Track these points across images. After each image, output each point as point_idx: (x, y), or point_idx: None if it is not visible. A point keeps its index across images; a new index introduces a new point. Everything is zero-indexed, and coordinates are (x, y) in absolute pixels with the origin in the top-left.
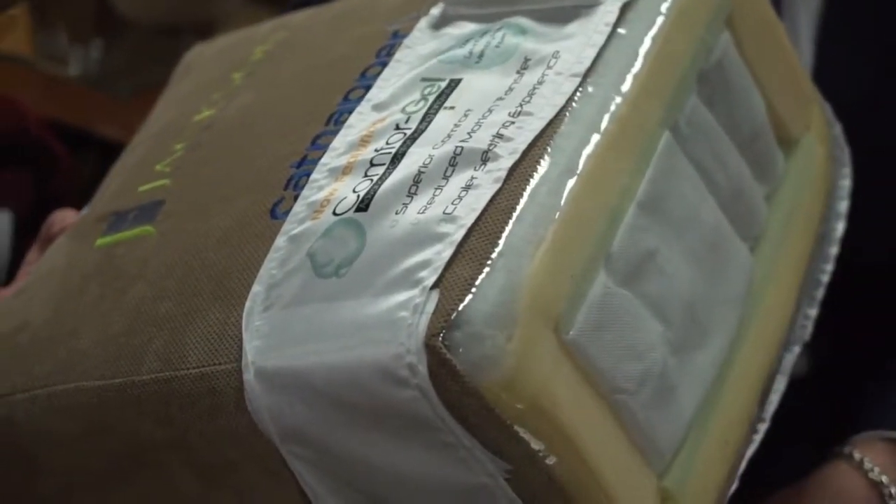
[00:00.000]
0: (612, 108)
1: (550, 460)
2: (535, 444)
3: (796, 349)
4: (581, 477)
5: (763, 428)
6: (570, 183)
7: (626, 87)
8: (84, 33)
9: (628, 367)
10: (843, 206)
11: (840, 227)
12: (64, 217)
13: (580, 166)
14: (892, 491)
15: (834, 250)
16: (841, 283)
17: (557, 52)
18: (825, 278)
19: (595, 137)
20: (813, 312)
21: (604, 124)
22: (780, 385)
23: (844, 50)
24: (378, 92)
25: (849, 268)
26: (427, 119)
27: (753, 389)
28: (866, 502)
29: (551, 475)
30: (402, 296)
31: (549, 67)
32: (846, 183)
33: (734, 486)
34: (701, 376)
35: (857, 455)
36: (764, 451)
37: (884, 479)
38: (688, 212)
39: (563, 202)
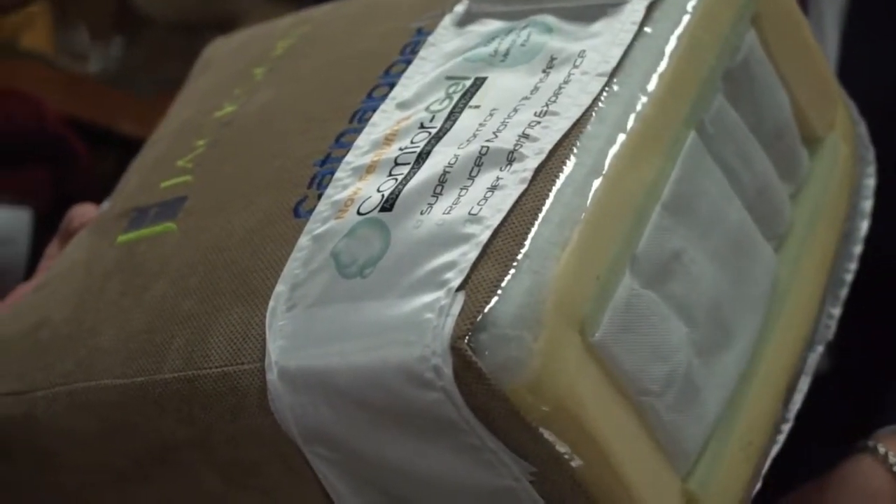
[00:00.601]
0: (638, 107)
1: (576, 463)
2: (561, 447)
3: (819, 349)
4: (606, 479)
5: (787, 428)
6: (596, 184)
7: (651, 86)
8: (104, 30)
9: (654, 368)
10: (868, 204)
11: (864, 226)
12: (84, 212)
13: (606, 167)
14: None
15: (858, 249)
16: (864, 281)
17: (584, 50)
18: (849, 277)
19: (621, 137)
20: (837, 311)
21: (630, 124)
22: (804, 385)
23: (870, 47)
24: (402, 90)
25: (871, 266)
26: (452, 118)
27: (778, 390)
28: (890, 495)
29: (576, 478)
30: (427, 297)
31: (575, 66)
32: (871, 182)
33: (758, 485)
34: (725, 377)
35: (881, 449)
36: (785, 449)
37: None
38: (713, 212)
39: (588, 203)
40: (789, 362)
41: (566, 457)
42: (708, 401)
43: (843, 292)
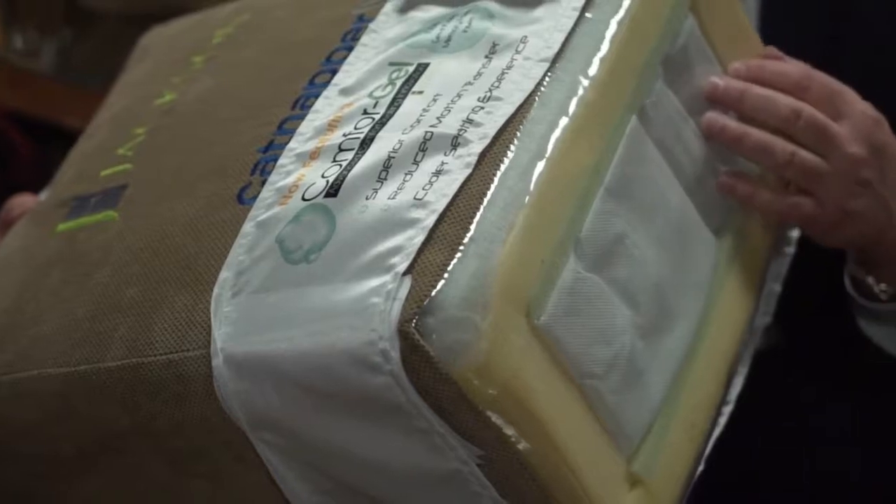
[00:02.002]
0: (581, 92)
1: (522, 445)
2: (507, 430)
3: (761, 330)
4: (552, 461)
5: (728, 410)
6: (540, 168)
7: (593, 71)
8: (53, 26)
9: (598, 351)
10: None
11: None
12: (23, 202)
13: (549, 151)
14: None
15: (797, 232)
16: (806, 262)
17: (525, 36)
18: (788, 259)
19: (564, 122)
20: (777, 288)
21: (572, 108)
22: (743, 367)
23: (789, 24)
24: (344, 76)
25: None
26: (395, 104)
27: (720, 372)
28: None
29: (523, 460)
30: (373, 282)
31: (517, 52)
32: None
33: (700, 468)
34: (668, 360)
35: None
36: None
37: None
38: (655, 197)
39: (532, 187)
40: (731, 344)
41: (513, 439)
42: (651, 383)
43: (784, 270)
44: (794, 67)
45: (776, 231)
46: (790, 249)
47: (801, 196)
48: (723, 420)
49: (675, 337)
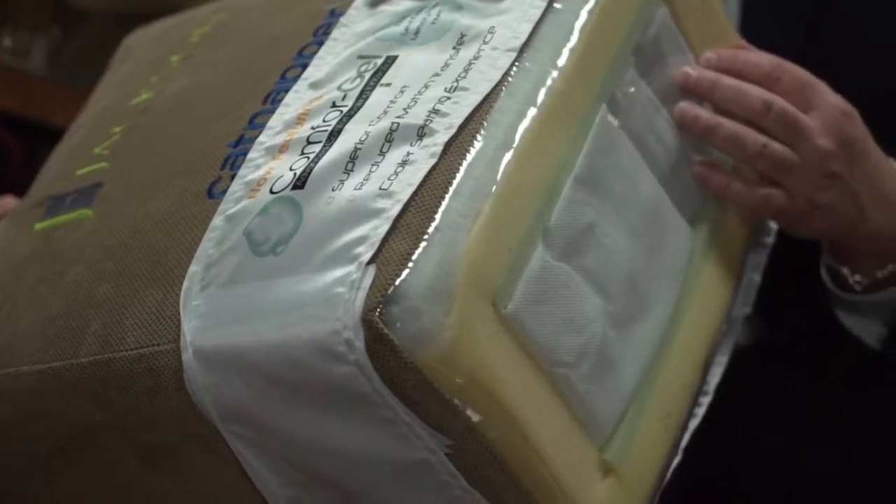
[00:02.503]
0: (549, 82)
1: (490, 434)
2: (474, 418)
3: (740, 319)
4: (521, 450)
5: (706, 401)
6: (507, 157)
7: (562, 61)
8: (43, 25)
9: (567, 340)
10: None
11: None
12: (4, 203)
13: (517, 141)
14: None
15: (775, 223)
16: (781, 254)
17: (493, 27)
18: (768, 248)
19: (532, 112)
20: (757, 278)
21: (540, 98)
22: (722, 358)
23: (771, 20)
24: (314, 70)
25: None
26: (363, 96)
27: (696, 361)
28: None
29: (492, 449)
30: (338, 272)
31: (485, 43)
32: None
33: (677, 459)
34: (641, 349)
35: None
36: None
37: None
38: (626, 185)
39: (499, 177)
40: (707, 334)
41: (480, 428)
42: (624, 372)
43: (763, 260)
44: (765, 58)
45: (753, 220)
46: (769, 240)
47: (773, 188)
48: (701, 411)
49: (648, 326)
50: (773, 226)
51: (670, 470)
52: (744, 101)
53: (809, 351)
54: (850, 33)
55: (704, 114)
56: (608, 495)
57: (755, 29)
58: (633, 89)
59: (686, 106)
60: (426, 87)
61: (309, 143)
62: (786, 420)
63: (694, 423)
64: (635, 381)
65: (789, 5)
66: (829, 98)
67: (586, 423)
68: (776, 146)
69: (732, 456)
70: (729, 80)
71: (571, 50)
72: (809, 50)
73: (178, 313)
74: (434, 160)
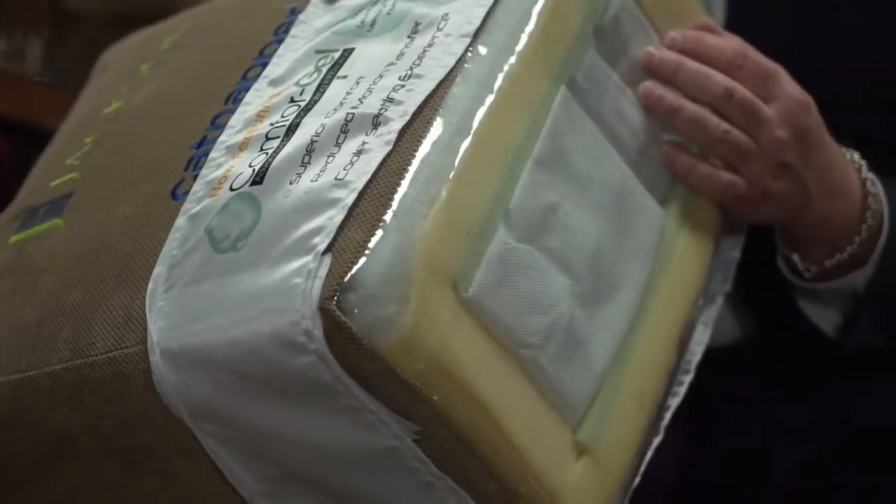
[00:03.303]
0: (506, 67)
1: (457, 419)
2: (441, 403)
3: (720, 299)
4: (490, 434)
5: (687, 379)
6: (465, 143)
7: (519, 46)
8: (38, 28)
9: (533, 321)
10: None
11: None
12: None
13: (474, 126)
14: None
15: None
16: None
17: (447, 14)
18: (744, 227)
19: (489, 97)
20: (736, 255)
21: (497, 83)
22: (703, 336)
23: (756, 15)
24: (274, 68)
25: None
26: (321, 90)
27: (669, 340)
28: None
29: (460, 434)
30: (296, 263)
31: (438, 30)
32: None
33: (659, 438)
34: (612, 328)
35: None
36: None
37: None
38: (590, 166)
39: (456, 162)
40: (681, 312)
41: (446, 413)
42: (594, 352)
43: (741, 238)
44: (729, 43)
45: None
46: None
47: (734, 175)
48: (682, 389)
49: (618, 305)
50: None
51: (651, 449)
52: (706, 86)
53: (796, 346)
54: (835, 30)
55: (668, 95)
56: (583, 476)
57: (741, 26)
58: (593, 70)
59: (650, 85)
60: (381, 76)
61: (267, 139)
62: (762, 421)
63: (675, 402)
64: (606, 360)
65: (775, 2)
66: (789, 88)
67: (557, 404)
68: (737, 133)
69: (720, 451)
70: (692, 64)
71: (529, 34)
72: (796, 47)
73: (145, 315)
74: (389, 148)
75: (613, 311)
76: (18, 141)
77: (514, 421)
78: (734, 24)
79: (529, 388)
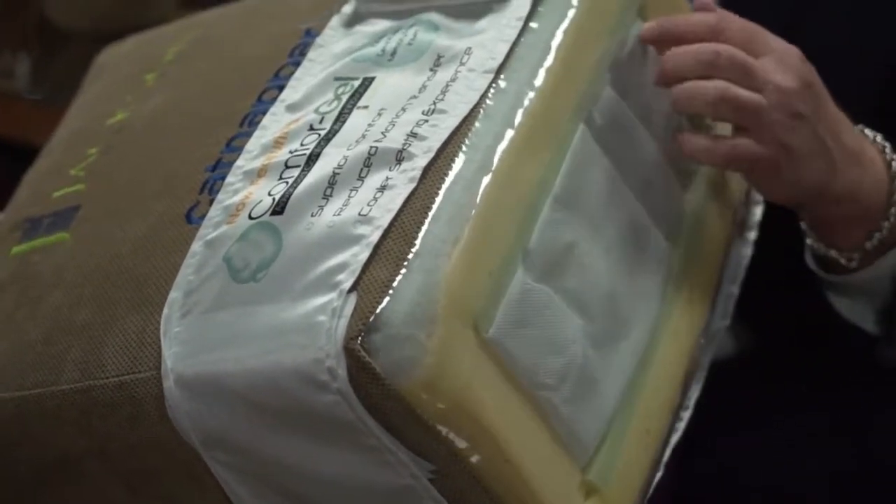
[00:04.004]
0: (526, 103)
1: (474, 458)
2: (459, 444)
3: (720, 334)
4: (505, 474)
5: (686, 415)
6: (486, 180)
7: (538, 81)
8: (27, 46)
9: (549, 362)
10: None
11: (759, 212)
12: None
13: (495, 163)
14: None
15: (753, 234)
16: (760, 264)
17: (470, 48)
18: (745, 261)
19: (509, 133)
20: (735, 290)
21: (517, 120)
22: (702, 373)
23: (748, 16)
24: (291, 92)
25: (772, 250)
26: (341, 119)
27: (676, 377)
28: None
29: (475, 473)
30: (320, 299)
31: (461, 64)
32: None
33: (660, 475)
34: (622, 368)
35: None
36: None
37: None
38: (604, 203)
39: (478, 200)
40: (686, 349)
41: (464, 453)
42: (605, 392)
43: (741, 275)
44: (709, 15)
45: (732, 230)
46: (752, 234)
47: (741, 137)
48: (682, 425)
49: (628, 344)
50: (756, 218)
51: (652, 486)
52: (693, 55)
53: (792, 359)
54: (828, 31)
55: (670, 62)
56: None
57: (739, 6)
58: (609, 106)
59: None
60: (404, 109)
61: (287, 167)
62: (769, 428)
63: (675, 438)
64: (616, 400)
65: (766, 10)
66: (780, 43)
67: (569, 444)
68: (738, 88)
69: (718, 465)
70: (676, 49)
71: (548, 70)
72: (794, 27)
73: (159, 340)
74: (413, 185)
75: (624, 350)
76: (8, 158)
77: (528, 461)
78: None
79: (543, 428)
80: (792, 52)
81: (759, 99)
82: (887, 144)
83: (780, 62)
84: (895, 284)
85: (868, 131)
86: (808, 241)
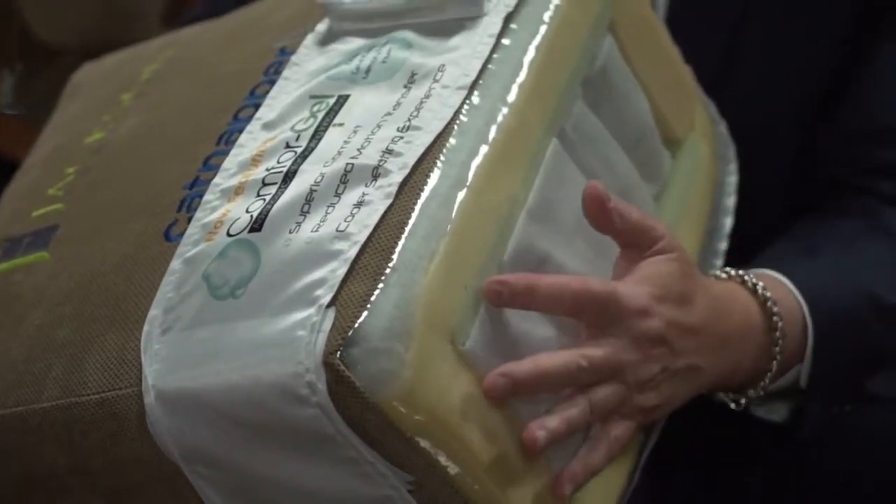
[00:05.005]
0: (499, 118)
1: (452, 470)
2: (436, 455)
3: None
4: (483, 485)
5: (659, 426)
6: (461, 195)
7: (511, 97)
8: (10, 62)
9: None
10: (731, 201)
11: (728, 223)
12: None
13: (470, 178)
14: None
15: (723, 245)
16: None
17: (443, 65)
18: (716, 271)
19: (483, 149)
20: None
21: (491, 135)
22: None
23: (691, 31)
24: (267, 110)
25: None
26: (317, 137)
27: None
28: (762, 329)
29: (453, 484)
30: (298, 315)
31: (435, 81)
32: (733, 179)
33: (633, 485)
34: None
35: (757, 284)
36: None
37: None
38: (578, 217)
39: (454, 215)
40: None
41: (442, 464)
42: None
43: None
44: (565, 289)
45: (703, 241)
46: (718, 262)
47: (612, 424)
48: (656, 432)
49: None
50: (722, 248)
51: (627, 494)
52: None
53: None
54: (769, 37)
55: (537, 429)
56: None
57: (679, 30)
58: (582, 121)
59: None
60: (379, 126)
61: (264, 184)
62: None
63: (648, 448)
64: None
65: (709, 22)
66: (627, 303)
67: (546, 453)
68: (602, 398)
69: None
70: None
71: (521, 86)
72: (725, 66)
73: (139, 357)
74: (389, 200)
75: None
76: None
77: (504, 472)
78: (672, 26)
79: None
80: (636, 310)
81: (623, 391)
82: (758, 283)
83: (629, 334)
84: (800, 390)
85: (734, 273)
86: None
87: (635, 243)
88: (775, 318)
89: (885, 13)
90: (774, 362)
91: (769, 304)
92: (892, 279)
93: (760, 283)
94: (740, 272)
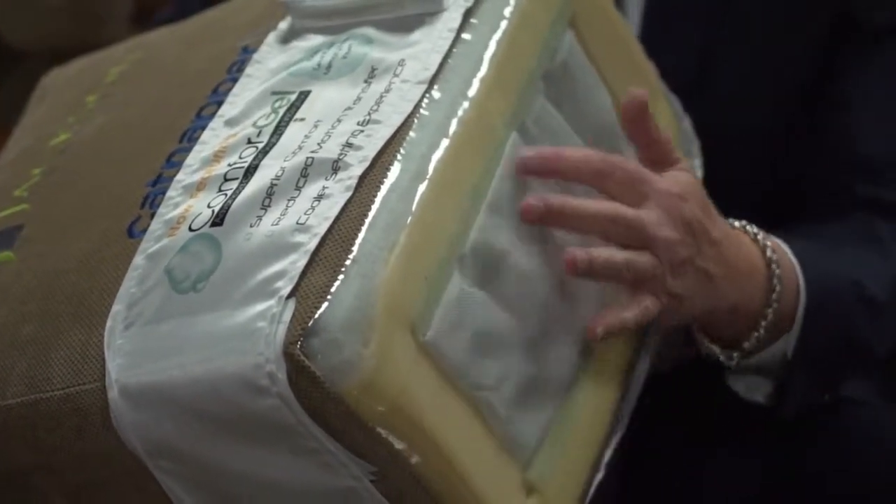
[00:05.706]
0: (460, 112)
1: (414, 459)
2: (398, 445)
3: (657, 333)
4: (445, 474)
5: (628, 412)
6: (421, 188)
7: (472, 91)
8: None
9: (487, 364)
10: None
11: None
12: None
13: (430, 171)
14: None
15: None
16: None
17: (403, 60)
18: None
19: (444, 142)
20: None
21: (452, 129)
22: (644, 367)
23: (667, 35)
24: (230, 108)
25: None
26: (278, 132)
27: (615, 378)
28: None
29: (416, 474)
30: (259, 306)
31: (395, 75)
32: (698, 174)
33: (600, 475)
34: (561, 369)
35: (762, 239)
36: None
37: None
38: None
39: (414, 207)
40: (626, 350)
41: (404, 454)
42: (545, 392)
43: None
44: (594, 158)
45: None
46: None
47: (644, 297)
48: (623, 424)
49: (566, 346)
50: None
51: (593, 486)
52: (589, 224)
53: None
54: (741, 54)
55: (580, 253)
56: None
57: (652, 49)
58: (542, 115)
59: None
60: (339, 121)
61: (226, 180)
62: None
63: (616, 438)
64: (557, 400)
65: (686, 25)
66: (662, 185)
67: (509, 443)
68: (638, 261)
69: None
70: (569, 208)
71: (481, 80)
72: (702, 68)
73: (103, 352)
74: (349, 193)
75: (562, 353)
76: None
77: (468, 461)
78: (648, 29)
79: (483, 428)
80: (673, 194)
81: (655, 263)
82: (759, 232)
83: (663, 209)
84: (786, 366)
85: (738, 224)
86: (694, 335)
87: (660, 159)
88: (773, 266)
89: (853, 34)
90: (770, 310)
91: (769, 252)
92: (877, 274)
93: (762, 234)
94: (743, 222)
